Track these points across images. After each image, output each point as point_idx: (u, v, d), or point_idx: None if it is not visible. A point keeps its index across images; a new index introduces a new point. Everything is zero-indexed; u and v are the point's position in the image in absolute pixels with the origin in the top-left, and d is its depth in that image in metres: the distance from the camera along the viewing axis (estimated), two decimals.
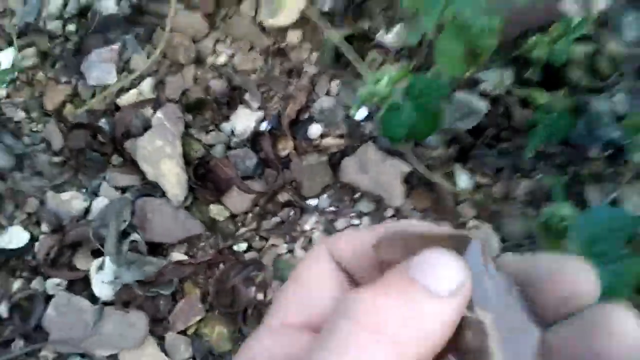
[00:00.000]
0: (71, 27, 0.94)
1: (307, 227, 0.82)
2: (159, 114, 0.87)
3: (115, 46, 0.91)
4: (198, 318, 0.79)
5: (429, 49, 0.79)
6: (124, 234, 0.81)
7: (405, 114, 0.64)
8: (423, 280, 0.22)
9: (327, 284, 0.27)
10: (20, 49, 0.94)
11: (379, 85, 0.63)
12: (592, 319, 0.23)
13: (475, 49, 0.71)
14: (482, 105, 0.79)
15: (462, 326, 0.23)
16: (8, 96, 0.93)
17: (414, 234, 0.25)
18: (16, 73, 0.93)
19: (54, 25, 0.95)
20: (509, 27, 0.77)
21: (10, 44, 0.96)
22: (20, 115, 0.92)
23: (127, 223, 0.81)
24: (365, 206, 0.82)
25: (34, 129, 0.91)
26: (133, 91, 0.89)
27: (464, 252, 0.23)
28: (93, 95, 0.91)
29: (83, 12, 0.94)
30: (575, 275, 0.23)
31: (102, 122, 0.89)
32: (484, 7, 0.70)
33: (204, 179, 0.86)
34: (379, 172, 0.81)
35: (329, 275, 0.27)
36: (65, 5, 0.95)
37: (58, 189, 0.87)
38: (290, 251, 0.82)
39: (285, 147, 0.86)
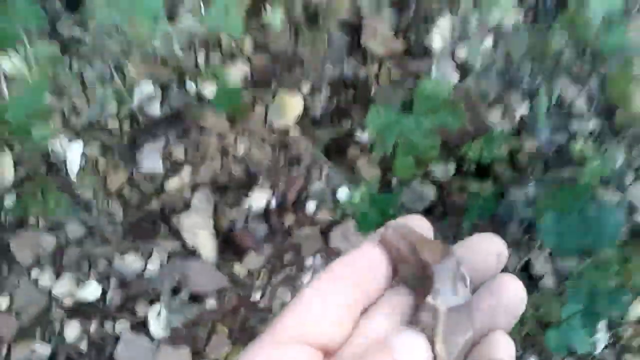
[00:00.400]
0: (126, 126, 1.24)
1: (305, 280, 1.12)
2: (195, 195, 1.17)
3: (161, 141, 1.21)
4: (227, 350, 1.09)
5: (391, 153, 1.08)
6: (173, 289, 1.11)
7: (370, 218, 0.94)
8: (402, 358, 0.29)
9: (328, 305, 0.30)
10: (86, 141, 1.24)
11: (353, 198, 0.93)
12: (492, 284, 0.32)
13: (421, 158, 1.01)
14: (431, 192, 1.08)
15: (421, 307, 0.30)
16: (80, 180, 1.23)
17: (415, 234, 0.32)
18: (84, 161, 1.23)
19: (112, 123, 1.25)
20: (453, 136, 1.06)
21: (78, 137, 1.26)
22: (89, 195, 1.22)
23: (175, 280, 1.11)
24: None
25: (101, 206, 1.21)
26: (175, 177, 1.19)
27: (445, 259, 0.30)
28: (145, 179, 1.21)
29: (135, 113, 1.24)
30: (486, 253, 0.32)
31: (153, 202, 1.19)
32: (426, 132, 0.99)
33: (229, 244, 1.16)
34: (357, 240, 1.10)
35: (331, 296, 0.30)
36: (120, 107, 1.25)
37: (122, 252, 1.17)
38: None
39: (289, 219, 1.15)
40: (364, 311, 0.31)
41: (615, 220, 0.76)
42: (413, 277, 0.31)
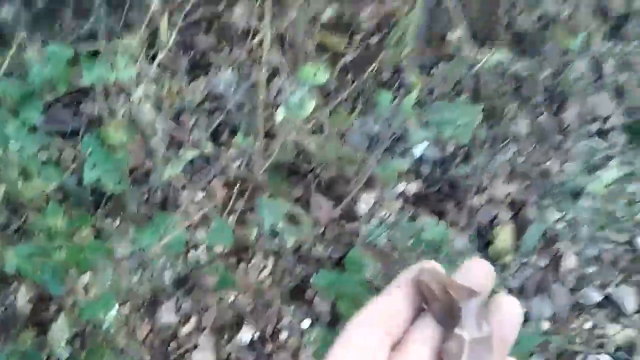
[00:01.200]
0: (147, 290, 1.71)
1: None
2: (201, 336, 1.63)
3: (173, 299, 1.68)
4: None
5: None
6: None
7: (322, 350, 1.38)
8: None
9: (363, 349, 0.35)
10: (120, 304, 1.71)
11: (310, 337, 1.39)
12: (493, 303, 0.36)
13: (358, 302, 1.47)
14: None
15: (449, 338, 0.34)
16: (116, 333, 1.69)
17: (445, 277, 0.37)
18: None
19: (141, 290, 1.72)
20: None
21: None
22: (124, 342, 1.68)
23: None
24: None
25: (134, 351, 1.66)
26: (186, 325, 1.65)
27: (471, 299, 0.35)
28: (164, 328, 1.67)
29: (153, 281, 1.72)
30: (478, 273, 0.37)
31: (172, 344, 1.64)
32: (357, 285, 1.45)
33: None
34: None
35: (364, 341, 0.35)
36: (141, 277, 1.72)
37: None
38: None
39: (269, 347, 1.60)
40: (395, 344, 0.35)
41: None
42: (442, 313, 0.36)
